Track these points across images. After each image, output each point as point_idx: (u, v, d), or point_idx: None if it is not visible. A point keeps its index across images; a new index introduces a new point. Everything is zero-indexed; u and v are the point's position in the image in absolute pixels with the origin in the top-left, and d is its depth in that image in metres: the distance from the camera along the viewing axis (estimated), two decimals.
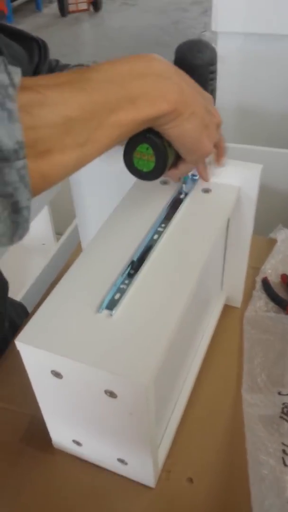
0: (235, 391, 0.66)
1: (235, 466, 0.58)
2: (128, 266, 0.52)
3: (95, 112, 0.39)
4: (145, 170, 0.52)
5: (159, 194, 0.63)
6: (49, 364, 0.46)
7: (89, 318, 0.47)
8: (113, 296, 0.49)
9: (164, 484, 0.57)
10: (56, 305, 0.49)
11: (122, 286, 0.50)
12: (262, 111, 1.86)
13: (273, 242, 0.90)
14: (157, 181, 0.65)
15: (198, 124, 0.48)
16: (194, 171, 0.63)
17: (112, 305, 0.48)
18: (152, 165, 0.51)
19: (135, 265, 0.53)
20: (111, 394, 0.44)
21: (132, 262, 0.53)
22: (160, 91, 0.44)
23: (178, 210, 0.60)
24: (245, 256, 0.72)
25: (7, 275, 0.82)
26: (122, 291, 0.50)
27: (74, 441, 0.56)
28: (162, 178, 0.64)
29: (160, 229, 0.57)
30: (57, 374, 0.46)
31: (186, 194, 0.62)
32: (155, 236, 0.56)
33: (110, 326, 0.46)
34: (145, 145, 0.50)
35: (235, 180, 0.63)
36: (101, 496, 0.56)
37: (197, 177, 0.63)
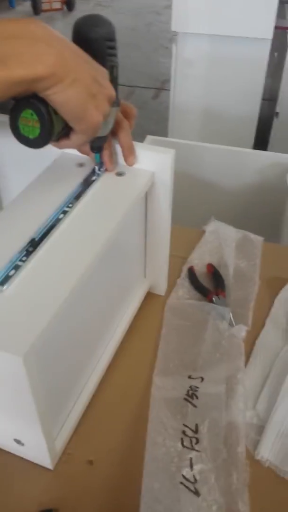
0: (148, 376, 0.66)
1: (135, 449, 0.57)
2: (28, 243, 0.52)
3: None
4: (31, 136, 0.50)
5: (73, 175, 0.62)
6: None
7: None
8: (7, 272, 0.49)
9: (63, 466, 0.56)
10: None
11: (18, 263, 0.50)
12: (225, 113, 1.89)
13: (204, 234, 0.90)
14: (73, 162, 0.65)
15: (83, 91, 0.47)
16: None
17: (4, 281, 0.48)
18: (37, 131, 0.50)
19: (35, 243, 0.52)
20: None
21: (33, 240, 0.53)
22: (36, 54, 0.43)
23: (88, 191, 0.59)
24: (165, 244, 0.72)
25: None
26: (17, 268, 0.49)
27: None
28: (78, 160, 0.65)
29: (66, 208, 0.57)
30: None
31: (98, 176, 0.62)
32: (61, 215, 0.56)
33: (0, 301, 0.46)
34: (29, 111, 0.48)
35: (149, 165, 0.63)
36: None
37: None
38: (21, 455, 0.56)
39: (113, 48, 0.54)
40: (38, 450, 0.54)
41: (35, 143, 0.51)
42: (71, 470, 0.56)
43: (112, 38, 0.53)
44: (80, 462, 0.57)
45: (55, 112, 0.49)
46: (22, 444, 0.54)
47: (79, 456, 0.57)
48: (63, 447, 0.57)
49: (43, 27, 0.45)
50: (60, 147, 0.55)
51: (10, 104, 0.50)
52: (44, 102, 0.48)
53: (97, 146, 0.59)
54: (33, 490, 0.55)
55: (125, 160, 0.62)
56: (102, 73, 0.51)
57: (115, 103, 0.55)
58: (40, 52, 0.43)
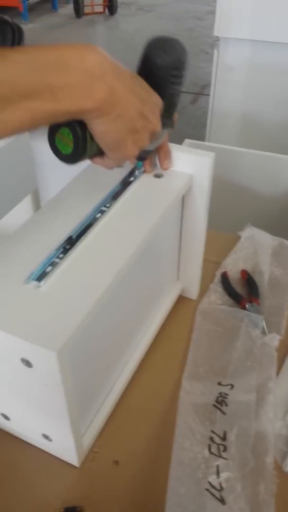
0: (177, 379, 0.65)
1: (162, 452, 0.57)
2: (66, 241, 0.53)
3: (5, 93, 0.39)
4: (63, 152, 0.51)
5: (111, 175, 0.62)
6: None
7: (17, 288, 0.47)
8: (44, 269, 0.49)
9: (89, 465, 0.56)
10: None
11: (55, 260, 0.50)
12: (264, 119, 1.87)
13: (239, 239, 0.89)
14: None
15: (124, 126, 0.47)
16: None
17: (41, 277, 0.48)
18: (70, 150, 0.50)
19: (72, 241, 0.53)
20: (27, 363, 0.44)
21: (70, 238, 0.53)
22: (87, 88, 0.42)
23: (125, 191, 0.60)
24: (200, 248, 0.72)
25: None
26: (54, 265, 0.50)
27: (2, 414, 0.56)
28: None
29: (104, 208, 0.57)
30: None
31: (136, 178, 0.62)
32: (98, 215, 0.56)
33: (35, 297, 0.47)
34: (67, 130, 0.49)
35: (188, 168, 0.63)
36: (26, 472, 0.56)
37: None
38: (49, 451, 0.57)
39: (178, 76, 0.53)
40: (65, 446, 0.54)
41: (66, 159, 0.52)
42: (97, 469, 0.56)
43: (178, 67, 0.52)
44: (106, 462, 0.57)
45: (92, 138, 0.49)
46: (50, 440, 0.55)
47: (105, 456, 0.57)
48: (90, 445, 0.58)
49: (101, 57, 0.43)
50: (93, 163, 0.55)
51: None
52: (83, 126, 0.48)
53: (141, 157, 0.60)
54: (58, 486, 0.55)
55: (161, 163, 0.63)
56: (153, 106, 0.51)
57: (167, 124, 0.56)
58: (91, 87, 0.43)
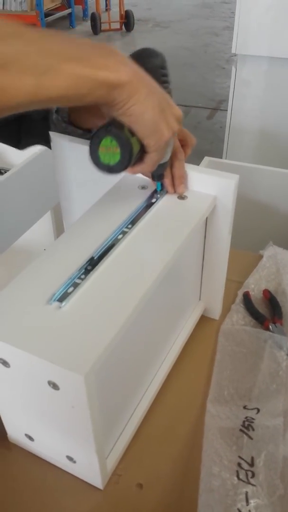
0: (201, 401, 0.65)
1: (188, 477, 0.57)
2: (87, 262, 0.53)
3: (52, 54, 0.44)
4: (112, 163, 0.53)
5: (135, 197, 0.63)
6: None
7: (39, 309, 0.48)
8: (66, 289, 0.50)
9: (113, 487, 0.56)
10: (9, 295, 0.49)
11: (77, 281, 0.51)
12: (282, 135, 1.87)
13: (261, 258, 0.89)
14: (135, 184, 0.66)
15: (156, 105, 0.50)
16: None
17: (63, 297, 0.49)
18: (118, 156, 0.52)
19: (94, 262, 0.53)
20: (54, 386, 0.45)
21: (92, 259, 0.53)
22: (118, 62, 0.47)
23: (148, 213, 0.60)
24: (223, 268, 0.72)
25: (7, 278, 0.83)
26: (76, 285, 0.50)
27: (26, 435, 0.56)
28: (140, 182, 0.66)
29: (125, 229, 0.58)
30: (4, 363, 0.47)
31: (158, 199, 0.62)
32: (120, 236, 0.57)
33: (58, 317, 0.47)
34: (109, 138, 0.51)
35: (211, 189, 0.63)
36: (49, 493, 0.56)
37: None
38: (72, 473, 0.57)
39: (166, 75, 0.59)
40: (89, 468, 0.54)
41: (116, 168, 0.53)
42: (121, 492, 0.56)
43: (164, 67, 0.59)
44: (129, 485, 0.56)
45: (132, 135, 0.52)
46: (74, 462, 0.54)
47: (129, 479, 0.57)
48: (113, 467, 0.57)
49: (123, 55, 0.49)
50: (134, 172, 0.57)
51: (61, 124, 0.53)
52: (120, 126, 0.51)
53: (157, 174, 0.61)
54: (82, 508, 0.55)
55: (175, 188, 0.63)
56: (167, 95, 0.54)
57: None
58: (121, 65, 0.48)
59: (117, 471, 0.57)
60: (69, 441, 0.52)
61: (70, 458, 0.54)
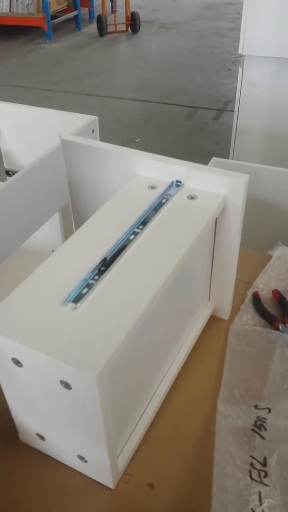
0: (211, 401, 0.65)
1: (200, 476, 0.57)
2: (100, 263, 0.53)
3: None
4: None
5: (145, 197, 0.63)
6: (9, 351, 0.47)
7: (54, 309, 0.48)
8: (80, 290, 0.50)
9: (124, 487, 0.56)
10: (24, 296, 0.50)
11: (91, 282, 0.51)
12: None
13: (270, 258, 0.89)
14: (145, 185, 0.66)
15: None
16: (178, 177, 0.64)
17: (78, 298, 0.49)
18: None
19: (107, 263, 0.53)
20: (66, 385, 0.45)
21: (104, 259, 0.54)
22: None
23: (158, 213, 0.60)
24: (232, 268, 0.72)
25: (16, 279, 0.83)
26: (90, 286, 0.50)
27: (37, 434, 0.57)
28: (150, 182, 0.66)
29: (137, 230, 0.58)
30: (17, 362, 0.47)
31: (168, 199, 0.62)
32: (131, 237, 0.57)
33: (73, 318, 0.47)
34: None
35: (221, 189, 0.63)
36: (60, 493, 0.56)
37: (181, 184, 0.64)
38: (84, 472, 0.57)
39: None
40: (100, 468, 0.54)
41: None
42: (131, 491, 0.56)
43: None
44: (140, 484, 0.56)
45: None
46: (85, 461, 0.55)
47: (139, 478, 0.57)
48: (124, 467, 0.57)
49: None
50: None
51: None
52: None
53: None
54: (93, 508, 0.55)
55: None
56: None
57: None
58: None
59: (128, 471, 0.57)
60: (80, 441, 0.52)
61: (81, 458, 0.54)
